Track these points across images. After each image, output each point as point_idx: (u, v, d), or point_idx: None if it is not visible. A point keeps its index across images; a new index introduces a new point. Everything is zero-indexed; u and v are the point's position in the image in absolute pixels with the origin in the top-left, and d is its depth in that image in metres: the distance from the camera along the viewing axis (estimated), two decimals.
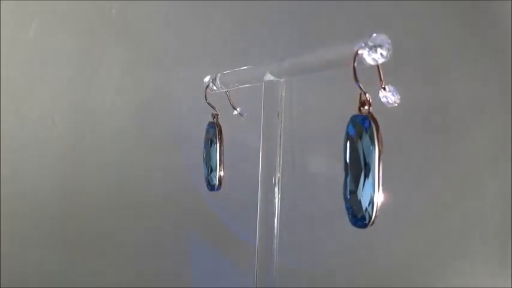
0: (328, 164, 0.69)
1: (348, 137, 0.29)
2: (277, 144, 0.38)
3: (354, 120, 0.29)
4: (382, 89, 0.28)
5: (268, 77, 0.38)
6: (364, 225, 0.29)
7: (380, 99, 0.29)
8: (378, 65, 0.28)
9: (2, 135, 0.75)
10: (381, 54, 0.28)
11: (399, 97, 0.28)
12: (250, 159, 0.71)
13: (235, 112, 0.46)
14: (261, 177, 0.38)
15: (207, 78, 0.46)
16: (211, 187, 0.48)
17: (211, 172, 0.47)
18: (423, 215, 0.69)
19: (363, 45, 0.28)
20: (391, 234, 0.70)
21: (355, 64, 0.29)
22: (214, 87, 0.45)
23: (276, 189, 0.38)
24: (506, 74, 0.65)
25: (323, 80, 0.66)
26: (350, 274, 0.71)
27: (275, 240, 0.37)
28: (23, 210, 0.76)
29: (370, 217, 0.28)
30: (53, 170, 0.75)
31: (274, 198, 0.38)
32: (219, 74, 0.44)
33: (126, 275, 0.75)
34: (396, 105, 0.28)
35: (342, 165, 0.30)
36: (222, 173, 0.47)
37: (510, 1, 0.64)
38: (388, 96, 0.28)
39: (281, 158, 0.38)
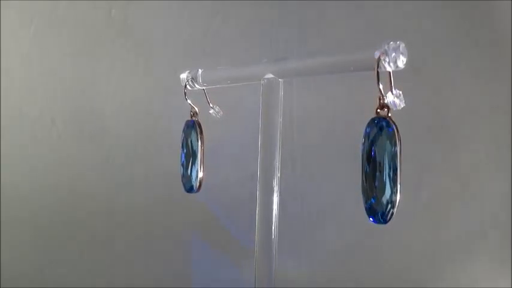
0: (329, 164, 0.69)
1: (367, 138, 0.31)
2: (276, 144, 0.38)
3: (374, 122, 0.31)
4: (390, 93, 0.30)
5: (268, 76, 0.38)
6: (384, 222, 0.30)
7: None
8: (390, 71, 0.30)
9: (2, 135, 0.75)
10: (402, 61, 0.30)
11: (404, 101, 0.30)
12: (250, 159, 0.71)
13: (211, 111, 0.44)
14: (260, 177, 0.38)
15: (184, 75, 0.44)
16: (189, 189, 0.45)
17: (190, 173, 0.44)
18: (423, 215, 0.68)
19: (384, 52, 0.30)
20: (392, 234, 0.70)
21: (378, 69, 0.30)
22: (197, 85, 0.43)
23: (275, 189, 0.38)
24: (506, 74, 0.65)
25: (323, 80, 0.66)
26: (350, 274, 0.71)
27: (274, 241, 0.37)
28: (22, 210, 0.76)
29: (391, 214, 0.30)
30: (52, 170, 0.75)
31: (274, 198, 0.37)
32: (200, 71, 0.43)
33: (126, 276, 0.75)
34: (400, 108, 0.30)
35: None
36: (202, 174, 0.44)
37: (510, 1, 0.64)
38: (395, 100, 0.30)
39: (279, 157, 0.38)
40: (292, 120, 0.69)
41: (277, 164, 0.38)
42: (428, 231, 0.69)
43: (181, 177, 0.46)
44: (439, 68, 0.66)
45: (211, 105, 0.43)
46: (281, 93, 0.38)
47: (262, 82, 0.38)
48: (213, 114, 0.44)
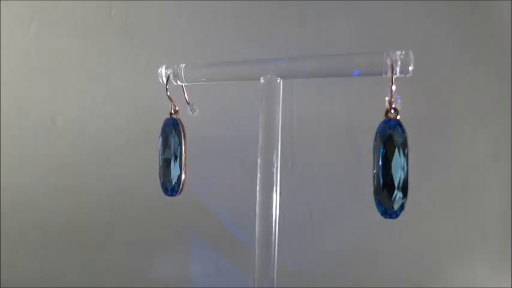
0: (329, 164, 0.69)
1: (379, 138, 0.33)
2: (276, 144, 0.38)
3: (385, 124, 0.33)
4: (390, 96, 0.33)
5: (267, 75, 0.38)
6: (394, 217, 0.33)
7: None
8: (393, 77, 0.32)
9: (2, 135, 0.75)
10: (410, 69, 0.32)
11: (400, 105, 0.33)
12: (250, 159, 0.71)
13: (188, 108, 0.42)
14: (260, 177, 0.38)
15: (162, 70, 0.42)
16: (170, 192, 0.42)
17: (171, 176, 0.41)
18: (423, 215, 0.68)
19: (396, 59, 0.32)
20: (391, 234, 0.70)
21: (385, 75, 0.33)
22: (179, 81, 0.42)
23: (275, 189, 0.37)
24: (506, 74, 0.65)
25: (323, 80, 0.66)
26: (350, 274, 0.71)
27: (274, 241, 0.37)
28: (22, 210, 0.76)
29: (400, 208, 0.33)
30: (52, 170, 0.75)
31: (274, 198, 0.37)
32: (182, 65, 0.41)
33: (126, 275, 0.75)
34: None
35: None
36: (184, 177, 0.41)
37: (510, 1, 0.64)
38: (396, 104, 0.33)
39: (279, 157, 0.38)
40: (292, 120, 0.69)
41: (277, 164, 0.38)
42: (428, 231, 0.69)
43: (161, 180, 0.42)
44: (439, 68, 0.66)
45: (187, 100, 0.42)
46: (280, 93, 0.38)
47: (261, 82, 0.38)
48: (190, 112, 0.42)
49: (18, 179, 0.76)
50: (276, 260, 0.38)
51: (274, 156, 0.37)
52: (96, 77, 0.72)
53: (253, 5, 0.68)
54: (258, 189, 0.38)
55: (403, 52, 0.32)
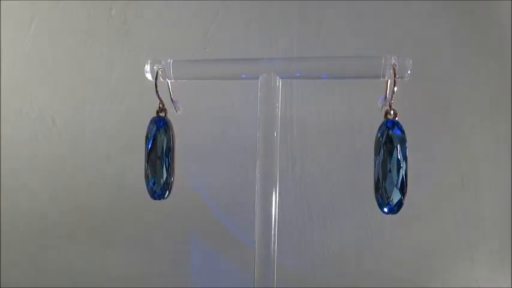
0: (329, 164, 0.69)
1: (380, 138, 0.35)
2: (275, 144, 0.38)
3: (385, 124, 0.35)
4: (384, 98, 0.34)
5: (266, 75, 0.38)
6: (394, 212, 0.35)
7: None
8: (389, 81, 0.34)
9: (2, 135, 0.75)
10: (408, 74, 0.33)
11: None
12: (249, 159, 0.71)
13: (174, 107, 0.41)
14: (260, 177, 0.38)
15: (148, 66, 0.41)
16: (157, 195, 0.39)
17: (158, 178, 0.39)
18: (423, 215, 0.68)
19: (394, 63, 0.33)
20: (391, 234, 0.70)
21: (383, 78, 0.34)
22: (166, 78, 0.40)
23: (275, 190, 0.37)
24: (506, 74, 0.65)
25: (323, 80, 0.66)
26: (350, 274, 0.71)
27: (274, 241, 0.37)
28: (22, 210, 0.76)
29: (400, 204, 0.34)
30: (52, 170, 0.75)
31: (273, 198, 0.37)
32: (170, 61, 0.40)
33: (126, 275, 0.75)
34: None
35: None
36: (172, 179, 0.39)
37: (510, 1, 0.64)
38: (386, 105, 0.34)
39: (278, 157, 0.38)
40: (292, 120, 0.69)
41: (277, 164, 0.38)
42: (428, 231, 0.69)
43: (146, 183, 0.40)
44: (439, 68, 0.66)
45: (172, 98, 0.40)
46: (280, 92, 0.38)
47: (260, 81, 0.38)
48: (175, 109, 0.41)
49: (18, 179, 0.76)
50: (276, 260, 0.37)
51: (274, 157, 0.37)
52: (96, 77, 0.72)
53: (253, 5, 0.68)
54: (257, 189, 0.38)
55: (400, 57, 0.33)
